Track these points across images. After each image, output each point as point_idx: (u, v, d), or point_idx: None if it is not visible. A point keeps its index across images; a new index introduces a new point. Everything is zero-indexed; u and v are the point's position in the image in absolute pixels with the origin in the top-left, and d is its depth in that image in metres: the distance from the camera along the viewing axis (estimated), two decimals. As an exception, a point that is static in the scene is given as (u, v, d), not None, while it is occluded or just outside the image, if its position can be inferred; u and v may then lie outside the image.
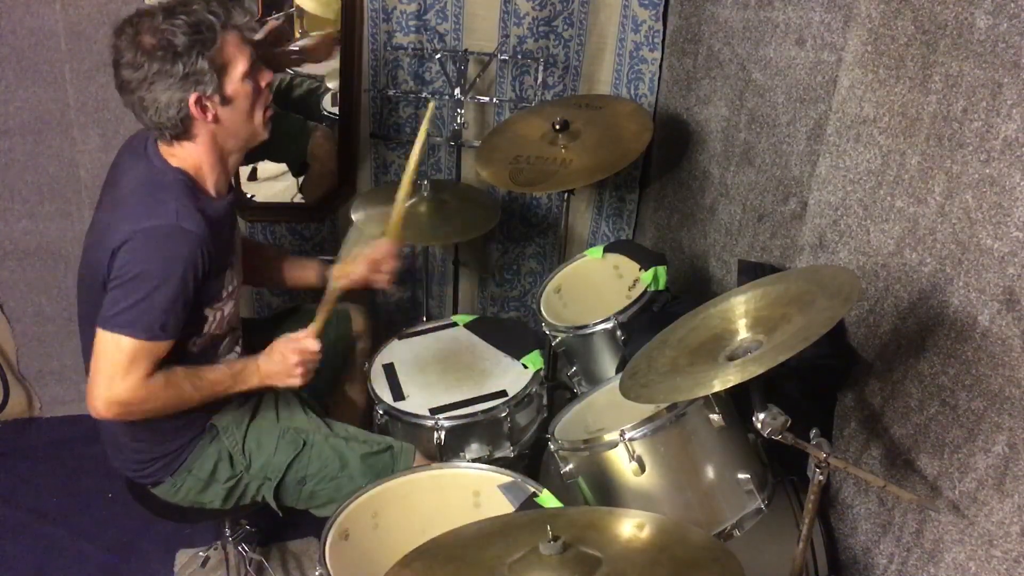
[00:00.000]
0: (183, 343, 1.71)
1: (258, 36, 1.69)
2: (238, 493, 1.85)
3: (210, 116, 1.63)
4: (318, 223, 2.79)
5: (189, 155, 1.67)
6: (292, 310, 2.23)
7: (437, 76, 2.68)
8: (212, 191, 1.71)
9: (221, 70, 1.61)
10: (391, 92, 2.67)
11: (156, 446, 1.78)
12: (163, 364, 1.65)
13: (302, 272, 2.12)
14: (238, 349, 1.88)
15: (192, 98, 1.59)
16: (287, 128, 2.72)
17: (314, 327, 1.82)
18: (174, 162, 1.67)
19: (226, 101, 1.64)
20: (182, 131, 1.64)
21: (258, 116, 1.71)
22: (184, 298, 1.60)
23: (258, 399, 1.92)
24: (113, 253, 1.57)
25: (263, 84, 1.70)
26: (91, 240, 1.70)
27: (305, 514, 1.91)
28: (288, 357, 1.77)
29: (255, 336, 2.05)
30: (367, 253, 1.97)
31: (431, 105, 1.95)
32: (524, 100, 2.73)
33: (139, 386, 1.61)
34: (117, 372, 1.59)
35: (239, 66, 1.63)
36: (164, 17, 1.56)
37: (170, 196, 1.61)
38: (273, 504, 1.86)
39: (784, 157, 2.04)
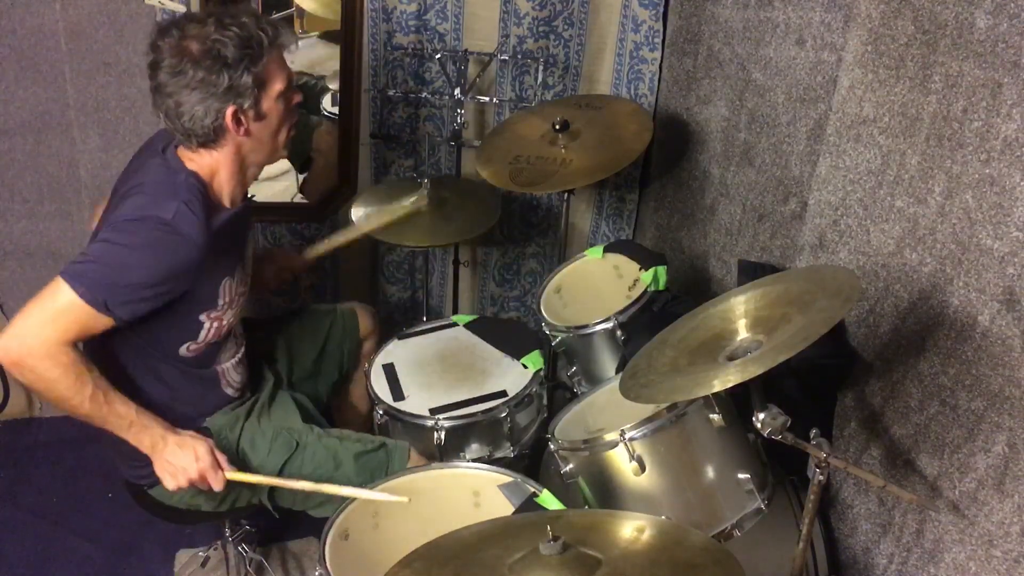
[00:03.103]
0: (174, 346, 1.70)
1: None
2: (233, 495, 1.85)
3: (243, 130, 1.63)
4: (318, 223, 2.79)
5: (208, 162, 1.66)
6: (294, 312, 2.23)
7: (437, 76, 2.68)
8: (225, 200, 1.71)
9: (261, 86, 1.61)
10: (391, 92, 2.67)
11: None
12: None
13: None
14: (239, 356, 1.87)
15: (230, 110, 1.59)
16: None
17: (244, 477, 1.72)
18: (191, 166, 1.66)
19: (260, 117, 1.64)
20: (211, 140, 1.63)
21: (282, 135, 1.72)
22: (148, 292, 1.56)
23: (252, 402, 1.91)
24: (111, 223, 1.57)
25: (293, 103, 1.71)
26: (104, 212, 1.70)
27: (304, 514, 1.91)
28: (191, 468, 1.65)
29: (256, 336, 2.04)
30: (273, 252, 2.10)
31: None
32: (524, 100, 2.73)
33: (49, 344, 1.51)
34: (42, 317, 1.51)
35: (277, 84, 1.64)
36: (216, 27, 1.56)
37: (176, 196, 1.59)
38: (269, 506, 1.86)
39: (784, 157, 2.04)
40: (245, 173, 1.73)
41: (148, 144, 1.77)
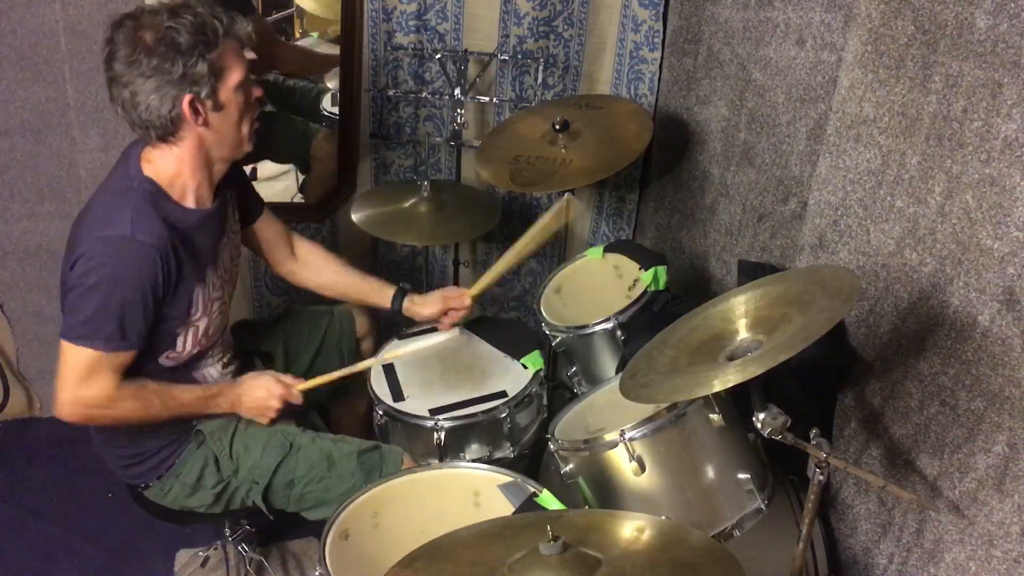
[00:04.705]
0: (154, 357, 1.70)
1: (250, 55, 1.69)
2: (226, 497, 1.85)
3: (200, 120, 1.61)
4: (318, 223, 2.79)
5: (170, 160, 1.65)
6: (290, 313, 2.22)
7: (437, 76, 2.68)
8: (190, 200, 1.69)
9: (218, 75, 1.60)
10: (391, 92, 2.67)
11: (136, 449, 1.78)
12: (133, 374, 1.65)
13: (375, 292, 2.12)
14: (225, 360, 1.87)
15: (186, 99, 1.57)
16: (289, 130, 2.73)
17: (315, 381, 1.84)
18: (147, 170, 1.64)
19: (218, 107, 1.63)
20: (170, 132, 1.61)
21: (245, 128, 1.70)
22: (143, 307, 1.59)
23: None
24: (74, 263, 1.57)
25: (254, 97, 1.70)
26: (68, 241, 1.70)
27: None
28: (271, 399, 1.79)
29: (253, 337, 2.04)
30: (444, 293, 2.09)
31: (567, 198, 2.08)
32: (524, 100, 2.73)
33: (104, 394, 1.61)
34: (80, 381, 1.59)
35: (235, 75, 1.63)
36: (169, 15, 1.55)
37: (129, 205, 1.59)
38: (263, 507, 1.86)
39: (784, 157, 2.04)
40: (210, 169, 1.71)
41: (125, 149, 1.75)
